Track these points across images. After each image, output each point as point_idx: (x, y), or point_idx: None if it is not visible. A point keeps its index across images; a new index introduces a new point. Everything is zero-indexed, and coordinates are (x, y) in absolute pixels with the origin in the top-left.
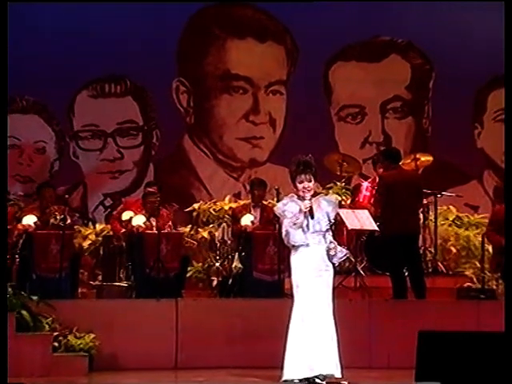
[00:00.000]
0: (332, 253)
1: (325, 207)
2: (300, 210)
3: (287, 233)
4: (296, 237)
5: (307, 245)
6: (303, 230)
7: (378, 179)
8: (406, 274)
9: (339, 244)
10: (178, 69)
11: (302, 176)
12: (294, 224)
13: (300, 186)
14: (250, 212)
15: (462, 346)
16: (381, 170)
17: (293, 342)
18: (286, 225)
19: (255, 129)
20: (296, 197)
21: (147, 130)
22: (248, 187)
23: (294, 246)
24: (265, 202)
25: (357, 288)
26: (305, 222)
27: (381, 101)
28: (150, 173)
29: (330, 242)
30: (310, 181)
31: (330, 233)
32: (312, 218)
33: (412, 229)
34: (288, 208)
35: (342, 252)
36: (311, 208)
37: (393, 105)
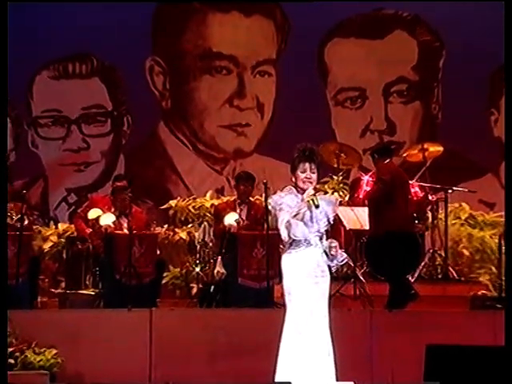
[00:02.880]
0: (333, 252)
1: (324, 207)
2: (302, 200)
3: (289, 224)
4: (298, 229)
5: (308, 243)
6: (305, 224)
7: (377, 168)
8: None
9: None
10: (153, 46)
11: (306, 164)
12: (296, 215)
13: (302, 176)
14: (234, 210)
15: (475, 362)
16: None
17: (285, 358)
18: (286, 216)
19: (240, 115)
20: (295, 190)
21: (117, 115)
22: (233, 181)
23: (291, 244)
24: (251, 199)
25: (356, 296)
26: (307, 214)
27: (384, 83)
28: (120, 165)
29: (331, 241)
30: (314, 172)
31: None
32: (317, 207)
33: (408, 227)
34: (286, 201)
35: (342, 256)
36: (315, 196)
37: (397, 87)
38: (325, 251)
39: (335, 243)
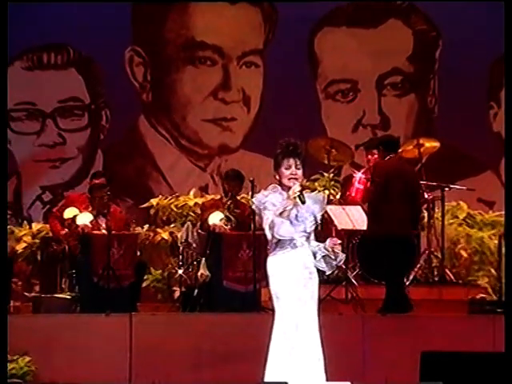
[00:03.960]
0: (337, 250)
1: (311, 205)
2: (287, 198)
3: (273, 223)
4: (282, 229)
5: (294, 244)
6: (291, 222)
7: (372, 167)
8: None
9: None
10: (133, 35)
11: (291, 160)
12: (281, 213)
13: (287, 173)
14: (222, 209)
15: (473, 369)
16: (374, 157)
17: (273, 365)
18: (270, 215)
19: (226, 108)
20: (279, 188)
21: (95, 109)
22: (217, 179)
23: (276, 244)
24: (237, 197)
25: (348, 300)
26: (293, 212)
27: (377, 75)
28: (98, 161)
29: (335, 240)
30: (299, 168)
31: (313, 236)
32: (303, 203)
33: (408, 230)
34: (270, 200)
35: (342, 255)
36: (301, 193)
37: (391, 79)
38: (325, 249)
39: (339, 241)
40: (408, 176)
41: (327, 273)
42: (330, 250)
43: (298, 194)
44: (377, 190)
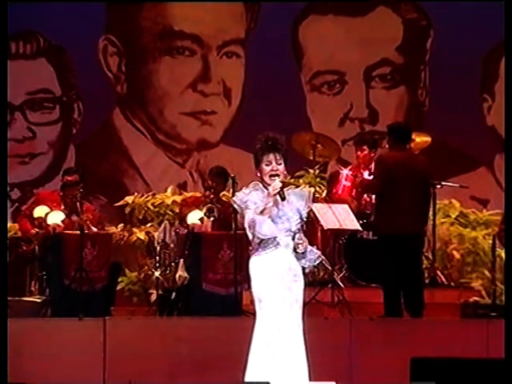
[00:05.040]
0: (300, 249)
1: (295, 202)
2: (268, 195)
3: (253, 222)
4: (264, 227)
5: (277, 243)
6: (273, 220)
7: (375, 160)
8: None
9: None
10: (106, 23)
11: (271, 156)
12: (262, 211)
13: (267, 169)
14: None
15: (466, 377)
16: (364, 153)
17: (254, 372)
18: (251, 214)
19: (205, 101)
20: (261, 185)
21: (66, 101)
22: (196, 175)
23: (259, 244)
24: (220, 195)
25: (335, 303)
26: (275, 210)
27: (365, 66)
28: (70, 157)
29: (299, 237)
30: (280, 163)
31: (302, 235)
32: (283, 199)
33: (413, 229)
34: (251, 198)
35: (313, 253)
36: (282, 189)
37: (380, 71)
38: (294, 249)
39: (303, 239)
40: (416, 169)
41: (306, 269)
42: (295, 247)
43: (278, 190)
44: (379, 185)
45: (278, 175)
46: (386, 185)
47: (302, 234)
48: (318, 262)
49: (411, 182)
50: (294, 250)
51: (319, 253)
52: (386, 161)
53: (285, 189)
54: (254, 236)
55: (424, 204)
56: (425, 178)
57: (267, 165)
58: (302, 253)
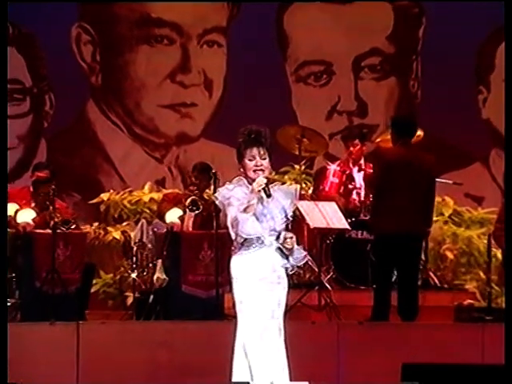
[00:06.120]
0: (289, 245)
1: (281, 199)
2: (251, 191)
3: (236, 221)
4: (247, 226)
5: (261, 243)
6: (257, 219)
7: (374, 153)
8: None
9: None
10: (79, 10)
11: (254, 150)
12: (245, 209)
13: (251, 164)
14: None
15: (459, 383)
16: (357, 148)
17: (237, 377)
18: (234, 211)
19: (185, 93)
20: (245, 181)
21: (37, 93)
22: (175, 171)
23: (242, 244)
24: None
25: (322, 307)
26: (259, 207)
27: (354, 55)
28: (41, 152)
29: (286, 233)
30: (264, 158)
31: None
32: (268, 196)
33: (413, 229)
34: (235, 194)
35: (299, 251)
36: (267, 185)
37: (370, 61)
38: (279, 247)
39: (291, 234)
40: (421, 167)
41: (290, 271)
42: (282, 243)
43: (264, 186)
44: (377, 182)
45: (262, 170)
46: (384, 181)
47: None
48: (303, 261)
49: (414, 181)
50: (282, 245)
51: (305, 253)
52: (387, 156)
53: (270, 185)
54: (236, 235)
55: (427, 204)
56: (429, 177)
57: (250, 160)
58: (290, 249)
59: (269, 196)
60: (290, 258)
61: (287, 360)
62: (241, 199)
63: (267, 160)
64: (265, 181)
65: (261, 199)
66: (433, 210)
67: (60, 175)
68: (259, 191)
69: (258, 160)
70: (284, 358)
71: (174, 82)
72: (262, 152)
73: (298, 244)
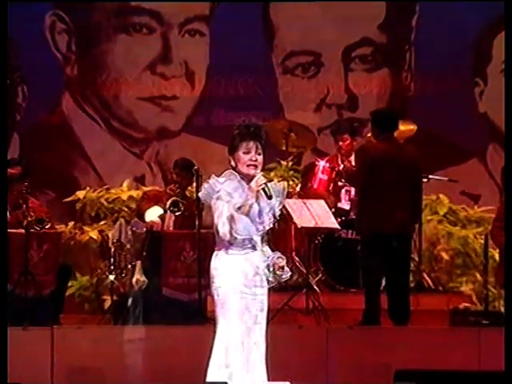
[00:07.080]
0: (279, 272)
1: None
2: (249, 189)
3: (232, 218)
4: (240, 225)
5: (253, 245)
6: (251, 220)
7: (355, 152)
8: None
9: (284, 250)
10: None
11: (251, 143)
12: (240, 208)
13: (245, 158)
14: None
15: None
16: (347, 143)
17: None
18: (226, 207)
19: (165, 85)
20: (237, 175)
21: (9, 85)
22: (155, 168)
23: (230, 243)
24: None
25: (310, 310)
26: (255, 208)
27: (343, 46)
28: (13, 147)
29: (280, 257)
30: (260, 153)
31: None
32: (269, 198)
33: (400, 227)
34: (225, 187)
35: (287, 273)
36: (267, 185)
37: (360, 51)
38: (267, 266)
39: (283, 260)
40: (405, 162)
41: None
42: (271, 266)
43: (263, 186)
44: (360, 179)
45: (255, 166)
46: (368, 178)
47: (279, 253)
48: (286, 279)
49: (398, 176)
50: (269, 268)
51: (290, 273)
52: (369, 152)
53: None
54: (230, 233)
55: (413, 201)
56: (414, 172)
57: (245, 153)
58: (278, 275)
59: (270, 197)
60: (273, 275)
61: (269, 368)
62: (231, 193)
63: (261, 157)
64: (264, 180)
65: (258, 199)
66: (421, 206)
67: (33, 172)
68: (258, 190)
69: (253, 154)
70: (264, 366)
71: (154, 73)
72: (258, 147)
73: (284, 246)
